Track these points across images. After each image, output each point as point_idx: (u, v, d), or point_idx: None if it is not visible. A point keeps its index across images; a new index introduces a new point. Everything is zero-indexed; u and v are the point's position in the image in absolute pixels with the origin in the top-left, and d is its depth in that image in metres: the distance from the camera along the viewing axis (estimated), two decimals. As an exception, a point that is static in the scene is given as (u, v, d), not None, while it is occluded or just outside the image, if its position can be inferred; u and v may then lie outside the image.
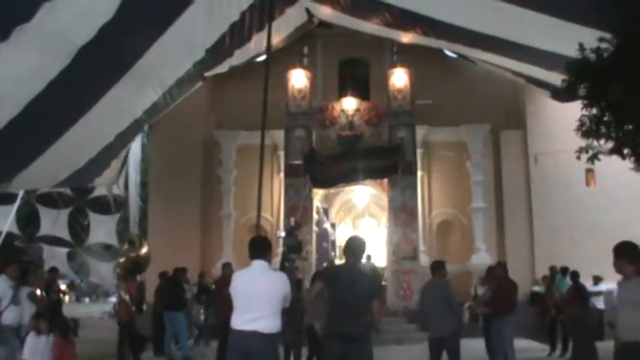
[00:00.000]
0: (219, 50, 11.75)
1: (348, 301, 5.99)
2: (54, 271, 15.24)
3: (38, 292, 10.67)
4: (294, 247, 11.44)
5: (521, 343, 13.72)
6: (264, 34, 12.00)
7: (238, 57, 12.77)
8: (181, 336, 13.32)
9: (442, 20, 11.89)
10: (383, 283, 18.20)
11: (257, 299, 5.68)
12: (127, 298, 12.06)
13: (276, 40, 12.19)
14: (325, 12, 14.08)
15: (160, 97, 11.30)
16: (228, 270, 12.19)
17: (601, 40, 7.50)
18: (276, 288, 5.79)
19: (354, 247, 6.41)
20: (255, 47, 12.81)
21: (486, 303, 11.06)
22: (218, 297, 12.20)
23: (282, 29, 13.51)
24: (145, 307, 15.24)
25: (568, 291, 12.60)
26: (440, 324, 8.85)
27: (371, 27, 14.13)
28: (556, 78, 10.00)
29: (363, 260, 6.97)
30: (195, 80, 12.36)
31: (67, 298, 32.62)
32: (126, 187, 19.35)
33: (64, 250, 22.96)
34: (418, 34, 13.40)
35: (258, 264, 5.90)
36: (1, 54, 7.21)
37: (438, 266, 9.41)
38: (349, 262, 6.40)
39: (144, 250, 14.06)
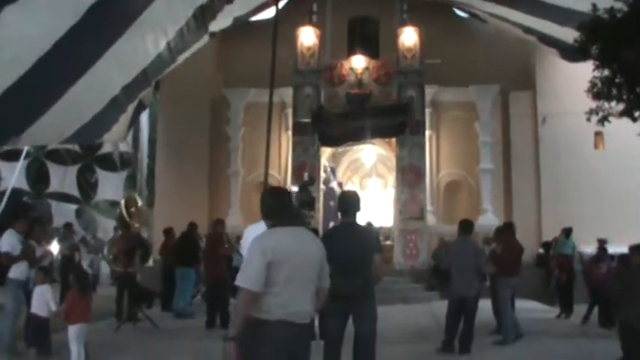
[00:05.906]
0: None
1: (345, 261, 5.92)
2: (68, 226, 15.29)
3: (48, 247, 10.77)
4: (308, 202, 11.23)
5: (527, 305, 13.83)
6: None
7: (239, 4, 12.54)
8: (187, 291, 13.30)
9: None
10: (388, 242, 18.31)
11: None
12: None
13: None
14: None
15: (165, 47, 11.20)
16: (220, 227, 12.21)
17: (615, -2, 7.39)
18: None
19: (348, 203, 6.37)
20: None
21: (494, 261, 10.10)
22: (209, 255, 11.91)
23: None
24: (151, 262, 15.38)
25: (593, 259, 12.41)
26: (466, 284, 8.74)
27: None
28: (568, 34, 9.88)
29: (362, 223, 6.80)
30: (199, 31, 12.18)
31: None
32: (135, 145, 19.34)
33: (73, 207, 23.12)
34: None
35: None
36: (11, 16, 7.16)
37: (469, 226, 9.25)
38: (343, 223, 6.37)
39: (132, 209, 13.88)
